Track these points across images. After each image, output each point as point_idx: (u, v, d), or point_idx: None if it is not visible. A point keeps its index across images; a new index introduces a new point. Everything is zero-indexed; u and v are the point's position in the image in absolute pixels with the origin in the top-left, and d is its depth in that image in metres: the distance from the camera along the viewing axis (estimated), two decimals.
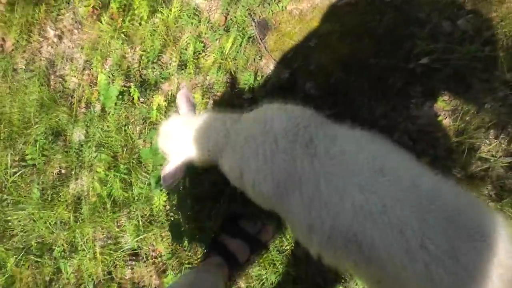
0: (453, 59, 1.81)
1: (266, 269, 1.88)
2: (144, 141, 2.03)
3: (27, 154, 2.06)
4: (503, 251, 0.91)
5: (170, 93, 2.06)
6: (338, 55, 1.97)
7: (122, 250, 1.95)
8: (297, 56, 2.01)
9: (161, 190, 1.94)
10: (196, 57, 2.09)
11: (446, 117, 1.86)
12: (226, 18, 2.09)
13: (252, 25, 2.05)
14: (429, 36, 1.86)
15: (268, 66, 2.04)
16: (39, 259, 1.97)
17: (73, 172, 2.06)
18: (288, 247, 1.91)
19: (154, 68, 2.09)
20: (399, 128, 1.87)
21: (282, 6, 2.04)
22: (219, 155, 1.31)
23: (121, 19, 2.12)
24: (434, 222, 0.91)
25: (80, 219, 2.01)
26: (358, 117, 1.92)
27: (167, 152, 1.47)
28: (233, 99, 2.02)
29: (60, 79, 2.16)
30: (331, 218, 1.00)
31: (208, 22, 2.09)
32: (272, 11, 2.05)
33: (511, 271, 0.91)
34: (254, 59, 2.04)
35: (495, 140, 1.79)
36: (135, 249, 1.96)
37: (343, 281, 1.85)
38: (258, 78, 2.02)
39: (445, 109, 1.87)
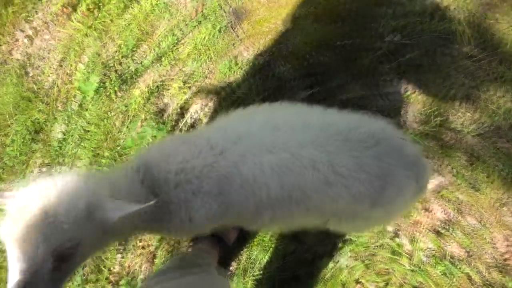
0: (421, 35, 1.93)
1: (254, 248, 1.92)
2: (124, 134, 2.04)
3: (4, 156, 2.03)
4: (401, 151, 1.07)
5: (149, 85, 2.08)
6: (310, 38, 2.05)
7: None
8: (272, 41, 2.08)
9: None
10: (171, 50, 2.12)
11: (415, 91, 1.97)
12: (197, 10, 2.13)
13: (224, 15, 2.11)
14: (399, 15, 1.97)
15: (242, 53, 2.10)
16: None
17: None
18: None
19: (130, 62, 2.11)
20: (372, 105, 1.96)
21: None
22: (164, 218, 1.12)
23: (92, 16, 2.13)
24: (336, 148, 1.03)
25: None
26: (333, 97, 2.00)
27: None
28: (212, 88, 2.06)
29: (34, 79, 2.14)
30: (265, 189, 1.07)
31: (181, 15, 2.13)
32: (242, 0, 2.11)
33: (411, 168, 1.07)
34: (229, 48, 2.09)
35: (463, 110, 1.90)
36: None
37: (330, 254, 1.91)
38: (233, 66, 2.07)
39: (413, 83, 1.97)
